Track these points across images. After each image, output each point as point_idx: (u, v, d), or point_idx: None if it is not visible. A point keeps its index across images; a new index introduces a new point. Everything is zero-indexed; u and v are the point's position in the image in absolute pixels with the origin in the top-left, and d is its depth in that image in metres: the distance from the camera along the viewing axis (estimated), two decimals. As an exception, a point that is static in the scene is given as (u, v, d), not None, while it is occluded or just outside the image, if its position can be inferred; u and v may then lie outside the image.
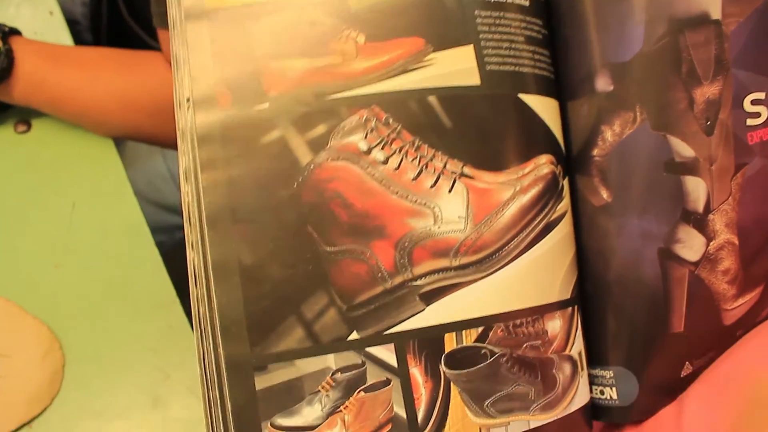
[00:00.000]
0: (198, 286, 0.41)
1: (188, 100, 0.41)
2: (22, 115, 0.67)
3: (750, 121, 0.44)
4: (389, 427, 0.41)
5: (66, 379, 0.54)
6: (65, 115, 0.64)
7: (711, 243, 0.45)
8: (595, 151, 0.46)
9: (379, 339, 0.41)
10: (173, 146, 0.54)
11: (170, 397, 0.52)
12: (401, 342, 0.41)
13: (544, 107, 0.46)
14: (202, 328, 0.41)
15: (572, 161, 0.48)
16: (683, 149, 0.44)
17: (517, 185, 0.44)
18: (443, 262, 0.42)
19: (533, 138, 0.45)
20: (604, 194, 0.46)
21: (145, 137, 0.69)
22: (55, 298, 0.57)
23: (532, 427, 0.43)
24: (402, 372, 0.41)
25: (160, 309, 0.57)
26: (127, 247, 0.60)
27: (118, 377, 0.54)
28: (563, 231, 0.46)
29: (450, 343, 0.42)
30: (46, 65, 0.61)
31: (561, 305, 0.45)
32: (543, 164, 0.45)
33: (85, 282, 0.59)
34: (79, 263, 0.60)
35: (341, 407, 0.40)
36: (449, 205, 0.42)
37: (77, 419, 0.52)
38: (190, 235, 0.42)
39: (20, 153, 0.64)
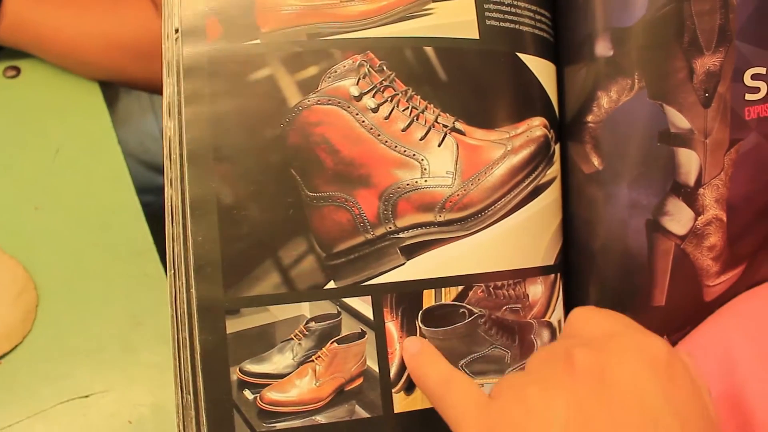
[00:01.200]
0: (174, 224, 0.39)
1: (176, 30, 0.39)
2: (13, 61, 0.64)
3: (749, 96, 0.41)
4: (360, 380, 0.38)
5: (38, 319, 0.52)
6: (49, 56, 0.61)
7: (699, 218, 0.43)
8: (590, 118, 0.44)
9: (357, 290, 0.38)
10: (157, 91, 0.51)
11: (140, 343, 0.50)
12: (379, 295, 0.39)
13: (541, 69, 0.44)
14: (176, 267, 0.38)
15: (565, 128, 0.46)
16: (679, 120, 0.42)
17: (508, 145, 0.41)
18: (427, 217, 0.40)
19: (528, 99, 0.43)
20: (595, 162, 0.44)
21: (128, 80, 0.65)
22: (33, 240, 0.54)
23: (506, 391, 0.41)
24: (377, 325, 0.38)
25: (136, 257, 0.54)
26: (108, 194, 0.58)
27: (90, 321, 0.51)
28: (551, 196, 0.43)
29: (428, 299, 0.39)
30: (30, 3, 0.58)
31: (544, 271, 0.43)
32: (536, 126, 0.43)
33: (64, 226, 0.56)
34: (59, 207, 0.57)
35: (313, 357, 0.38)
36: (438, 159, 0.40)
37: (47, 358, 0.50)
38: (170, 172, 0.39)
39: (7, 97, 0.61)
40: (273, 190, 0.37)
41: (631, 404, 0.25)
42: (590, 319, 0.31)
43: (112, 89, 0.68)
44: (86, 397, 0.50)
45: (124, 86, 0.71)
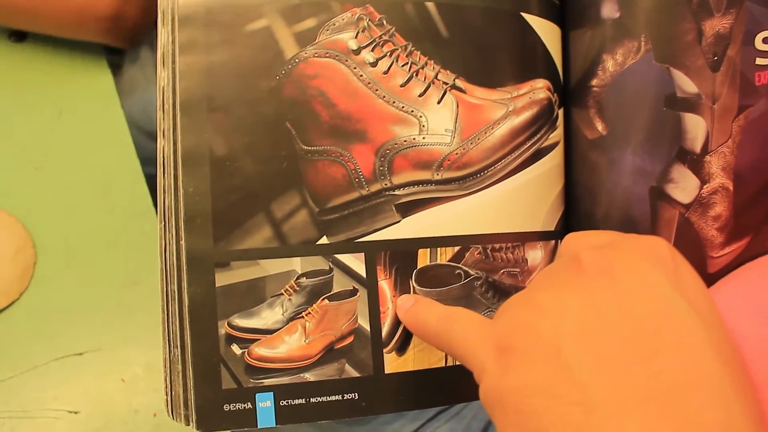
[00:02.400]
0: (165, 175, 0.37)
1: (172, -23, 0.37)
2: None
3: (760, 60, 0.39)
4: (351, 338, 0.37)
5: (35, 277, 0.50)
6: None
7: (705, 186, 0.41)
8: (594, 82, 0.42)
9: (350, 247, 0.36)
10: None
11: (136, 303, 0.48)
12: (372, 252, 0.37)
13: (546, 31, 0.42)
14: (166, 219, 0.37)
15: (569, 94, 0.44)
16: (686, 84, 0.39)
17: (510, 105, 0.39)
18: (425, 175, 0.38)
19: (532, 60, 0.41)
20: (599, 127, 0.42)
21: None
22: (33, 199, 0.53)
23: (501, 356, 0.39)
24: (370, 283, 0.36)
25: (135, 217, 0.53)
26: (108, 156, 0.56)
27: (87, 279, 0.50)
28: (553, 161, 0.41)
29: (423, 259, 0.38)
30: None
31: (544, 236, 0.41)
32: (539, 88, 0.40)
33: (64, 186, 0.55)
34: (59, 167, 0.56)
35: (303, 313, 0.36)
36: (437, 116, 0.38)
37: (42, 316, 0.49)
38: (162, 123, 0.37)
39: (12, 61, 0.59)
40: (267, 143, 0.36)
41: (644, 296, 0.24)
42: (586, 235, 0.30)
43: (117, 59, 0.66)
44: (80, 354, 0.48)
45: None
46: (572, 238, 0.31)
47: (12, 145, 0.56)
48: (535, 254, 0.40)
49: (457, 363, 0.37)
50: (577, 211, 0.44)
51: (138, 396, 0.47)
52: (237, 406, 0.35)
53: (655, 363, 0.22)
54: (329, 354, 0.36)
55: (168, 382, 0.36)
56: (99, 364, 0.47)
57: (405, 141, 0.37)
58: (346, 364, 0.36)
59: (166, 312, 0.36)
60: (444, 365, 0.37)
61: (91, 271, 0.49)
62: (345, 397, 0.36)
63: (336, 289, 0.36)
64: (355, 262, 0.36)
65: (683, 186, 0.41)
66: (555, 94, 0.41)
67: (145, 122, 0.83)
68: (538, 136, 0.40)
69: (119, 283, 0.48)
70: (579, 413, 0.22)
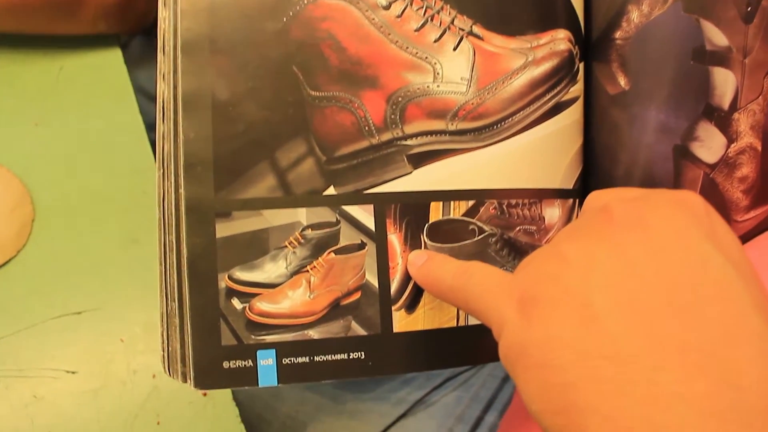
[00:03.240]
0: (165, 120, 0.34)
1: None
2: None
3: (795, 11, 0.36)
4: (358, 294, 0.34)
5: (33, 234, 0.48)
6: None
7: (732, 145, 0.38)
8: (618, 34, 0.39)
9: (358, 198, 0.34)
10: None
11: (136, 262, 0.46)
12: (382, 204, 0.34)
13: (568, -21, 0.39)
14: (165, 166, 0.34)
15: (590, 47, 0.41)
16: (716, 36, 0.37)
17: (529, 55, 0.36)
18: (438, 124, 0.35)
19: (553, 9, 0.38)
20: (622, 81, 0.39)
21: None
22: (32, 156, 0.51)
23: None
24: (379, 237, 0.34)
25: (136, 174, 0.50)
26: (110, 112, 0.53)
27: (86, 237, 0.47)
28: (573, 116, 0.39)
29: (436, 213, 0.35)
30: None
31: (561, 194, 0.38)
32: (560, 39, 0.38)
33: (64, 142, 0.52)
34: (59, 123, 0.53)
35: (308, 267, 0.34)
36: (452, 63, 0.35)
37: (40, 273, 0.46)
38: (162, 66, 0.35)
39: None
40: (272, 87, 0.33)
41: (680, 249, 0.22)
42: (613, 190, 0.27)
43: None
44: (78, 313, 0.46)
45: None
46: (598, 194, 0.28)
47: (11, 100, 0.53)
48: (552, 212, 0.37)
49: (470, 323, 0.35)
50: (595, 171, 0.41)
51: (137, 356, 0.45)
52: (237, 364, 0.33)
53: (692, 316, 0.20)
54: (335, 310, 0.33)
55: (165, 337, 0.34)
56: (98, 323, 0.45)
57: (418, 89, 0.34)
58: (353, 322, 0.33)
59: (163, 264, 0.34)
60: (456, 325, 0.35)
61: (90, 229, 0.47)
62: (351, 357, 0.33)
63: (343, 242, 0.34)
64: (364, 215, 0.34)
65: (709, 145, 0.38)
66: (576, 47, 0.38)
67: (151, 88, 0.80)
68: (558, 89, 0.37)
69: (119, 241, 0.46)
70: (609, 367, 0.20)
